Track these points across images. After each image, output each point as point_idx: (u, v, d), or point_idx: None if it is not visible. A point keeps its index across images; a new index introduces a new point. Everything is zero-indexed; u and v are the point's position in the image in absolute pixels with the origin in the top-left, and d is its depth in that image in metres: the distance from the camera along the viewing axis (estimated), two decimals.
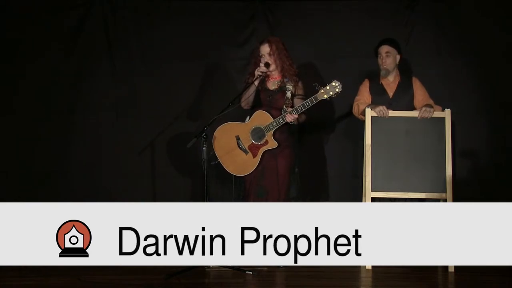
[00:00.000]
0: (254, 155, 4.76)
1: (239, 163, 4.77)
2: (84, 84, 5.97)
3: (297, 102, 4.84)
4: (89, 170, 5.98)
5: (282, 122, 4.72)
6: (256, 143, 4.77)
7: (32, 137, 5.91)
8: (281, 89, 4.87)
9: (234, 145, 4.79)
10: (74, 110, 5.97)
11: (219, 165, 4.85)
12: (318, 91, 4.68)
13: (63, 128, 5.95)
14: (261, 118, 4.77)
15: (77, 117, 5.97)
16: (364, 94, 5.02)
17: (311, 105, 4.69)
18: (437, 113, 4.80)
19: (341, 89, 4.68)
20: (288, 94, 4.84)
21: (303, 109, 4.69)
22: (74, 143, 5.97)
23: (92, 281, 4.38)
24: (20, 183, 5.89)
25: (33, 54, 5.90)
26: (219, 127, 4.84)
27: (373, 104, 4.87)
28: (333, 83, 4.67)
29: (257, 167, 4.77)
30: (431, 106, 4.82)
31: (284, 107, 4.80)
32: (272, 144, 4.75)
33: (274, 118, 4.76)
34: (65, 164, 5.96)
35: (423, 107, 4.78)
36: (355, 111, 5.04)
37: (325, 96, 4.67)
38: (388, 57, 4.98)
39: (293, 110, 4.69)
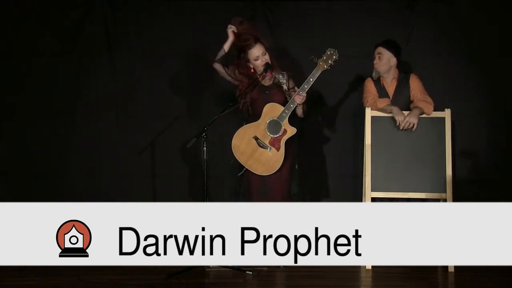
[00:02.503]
0: (278, 149, 4.73)
1: (265, 162, 4.73)
2: (84, 84, 5.97)
3: (292, 95, 4.83)
4: (89, 170, 5.97)
5: (293, 107, 4.71)
6: (276, 136, 4.74)
7: (32, 137, 5.90)
8: (276, 84, 4.86)
9: (255, 146, 4.74)
10: (74, 110, 5.96)
11: (247, 172, 4.79)
12: (317, 63, 4.68)
13: (63, 128, 5.95)
14: (272, 110, 4.75)
15: (77, 117, 5.96)
16: (372, 91, 4.97)
17: (314, 79, 4.70)
18: (437, 113, 4.80)
19: (337, 56, 4.71)
20: (285, 87, 4.83)
21: (309, 86, 4.69)
22: (74, 143, 5.97)
23: (92, 281, 4.38)
24: (20, 183, 5.89)
25: (33, 54, 5.90)
26: (234, 136, 4.79)
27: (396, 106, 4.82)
28: (328, 52, 4.71)
29: (284, 159, 4.73)
30: (420, 108, 4.77)
31: (287, 96, 4.80)
32: (291, 131, 4.73)
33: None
34: (65, 164, 5.95)
35: (406, 117, 4.72)
36: (372, 107, 4.92)
37: (325, 66, 4.71)
38: (380, 59, 4.95)
39: (299, 90, 4.68)
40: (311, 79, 4.69)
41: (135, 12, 5.93)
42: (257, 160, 4.72)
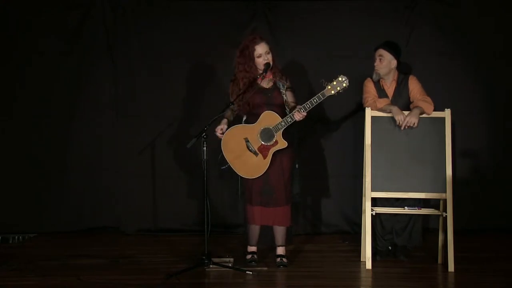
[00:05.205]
0: (265, 156, 4.69)
1: (250, 165, 4.70)
2: (84, 84, 5.97)
3: (289, 94, 4.79)
4: (89, 170, 5.98)
5: (290, 121, 4.66)
6: (266, 144, 4.70)
7: (32, 137, 5.90)
8: (276, 86, 4.82)
9: (244, 148, 4.71)
10: (74, 110, 5.97)
11: (230, 169, 4.77)
12: (325, 87, 4.61)
13: (63, 127, 5.95)
14: (269, 118, 4.72)
15: (77, 116, 5.97)
16: (372, 91, 4.97)
17: (319, 101, 4.59)
18: (437, 113, 4.80)
19: (348, 84, 4.58)
20: (283, 93, 4.79)
21: (312, 107, 4.61)
22: (74, 142, 5.97)
23: (92, 281, 4.38)
24: (20, 183, 5.89)
25: (34, 54, 5.90)
26: (227, 131, 4.74)
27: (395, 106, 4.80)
28: (340, 78, 4.59)
29: (268, 168, 4.71)
30: (420, 108, 4.76)
31: (286, 107, 4.77)
32: (282, 144, 4.69)
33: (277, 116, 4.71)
34: (65, 164, 5.96)
35: (406, 117, 4.71)
36: (372, 107, 4.89)
37: (333, 92, 4.59)
38: (381, 61, 4.92)
39: (301, 108, 4.61)
40: (315, 101, 4.60)
41: (135, 12, 5.93)
42: (243, 162, 4.70)
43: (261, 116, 4.71)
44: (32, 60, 5.90)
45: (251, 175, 4.69)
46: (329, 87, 4.58)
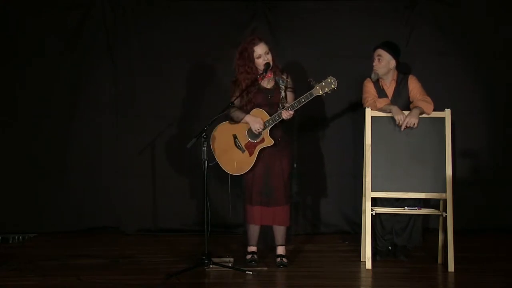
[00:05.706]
0: (251, 154, 4.72)
1: (236, 162, 4.74)
2: (84, 84, 5.97)
3: (289, 95, 4.80)
4: (89, 170, 5.98)
5: (278, 119, 4.68)
6: (253, 141, 4.72)
7: (32, 136, 5.90)
8: (277, 85, 4.82)
9: (232, 144, 4.74)
10: (74, 110, 5.97)
11: (218, 165, 4.78)
12: (314, 87, 4.64)
13: (63, 127, 5.95)
14: (258, 116, 4.74)
15: (77, 116, 5.97)
16: (371, 91, 4.97)
17: (306, 101, 4.62)
18: (437, 113, 4.80)
19: (336, 86, 4.62)
20: (282, 93, 4.79)
21: (299, 106, 4.64)
22: (75, 142, 5.97)
23: (92, 281, 4.38)
24: (20, 183, 5.89)
25: (34, 54, 5.90)
26: (217, 127, 4.79)
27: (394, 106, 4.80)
28: (329, 79, 4.63)
29: (254, 166, 4.72)
30: (420, 108, 4.76)
31: (280, 105, 4.77)
32: (268, 141, 4.71)
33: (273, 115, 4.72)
34: (65, 164, 5.96)
35: (406, 117, 4.71)
36: (372, 107, 4.89)
37: (321, 92, 4.62)
38: (380, 61, 4.92)
39: (288, 106, 4.64)
40: (303, 100, 4.62)
41: (135, 12, 5.93)
42: (229, 158, 4.72)
43: (250, 113, 4.72)
44: (32, 60, 5.90)
45: (236, 172, 4.73)
46: (318, 87, 4.62)
